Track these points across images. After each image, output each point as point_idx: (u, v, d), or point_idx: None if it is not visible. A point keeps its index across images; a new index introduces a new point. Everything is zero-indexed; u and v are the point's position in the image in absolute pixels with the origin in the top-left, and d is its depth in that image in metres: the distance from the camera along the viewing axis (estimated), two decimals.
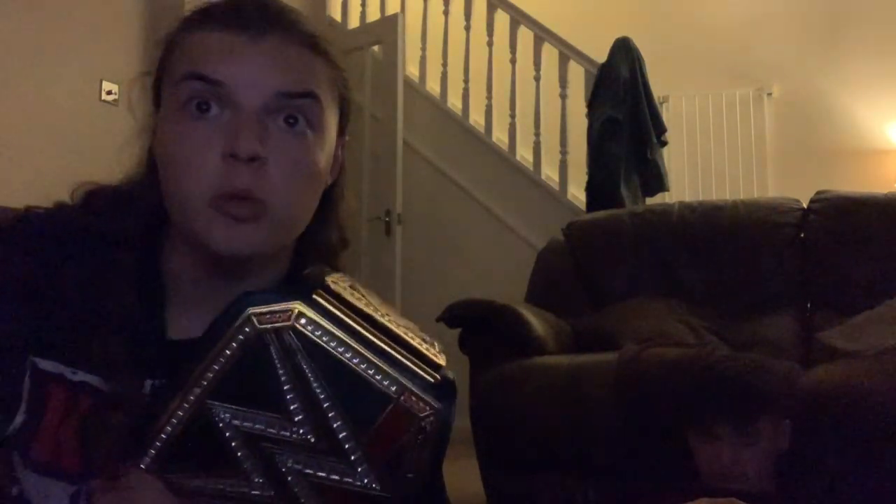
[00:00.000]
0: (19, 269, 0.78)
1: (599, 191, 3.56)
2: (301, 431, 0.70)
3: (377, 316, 0.75)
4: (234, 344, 0.70)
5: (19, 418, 0.77)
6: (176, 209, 0.75)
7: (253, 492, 0.70)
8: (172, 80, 0.76)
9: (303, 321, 0.71)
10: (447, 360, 0.80)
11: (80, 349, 0.75)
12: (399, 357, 0.74)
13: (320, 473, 0.71)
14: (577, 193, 4.01)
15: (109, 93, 3.75)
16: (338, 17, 5.03)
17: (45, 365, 0.77)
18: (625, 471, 1.93)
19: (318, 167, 0.78)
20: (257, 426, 0.70)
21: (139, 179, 0.83)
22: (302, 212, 0.79)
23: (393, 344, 0.74)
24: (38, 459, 0.76)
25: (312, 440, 0.70)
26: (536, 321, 2.31)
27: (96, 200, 0.82)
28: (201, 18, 0.77)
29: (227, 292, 0.76)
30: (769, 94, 4.69)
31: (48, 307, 0.77)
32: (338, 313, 0.73)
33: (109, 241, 0.78)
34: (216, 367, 0.70)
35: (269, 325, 0.70)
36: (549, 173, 4.22)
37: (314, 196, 0.80)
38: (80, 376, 0.76)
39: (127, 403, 0.73)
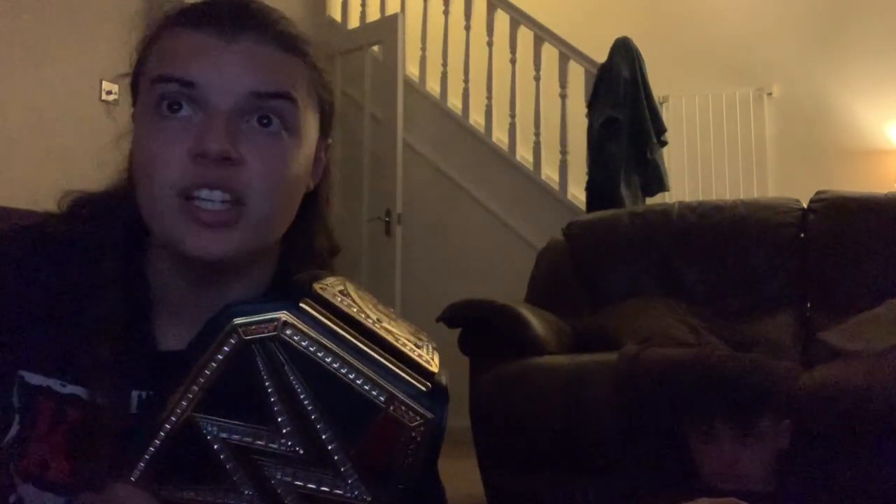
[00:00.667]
0: (5, 282, 0.77)
1: (599, 191, 3.56)
2: (289, 443, 0.69)
3: (367, 323, 0.74)
4: (220, 356, 0.69)
5: (14, 429, 0.77)
6: (147, 212, 0.74)
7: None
8: (146, 81, 0.75)
9: (289, 331, 0.69)
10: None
11: (66, 360, 0.75)
12: (389, 365, 0.72)
13: (310, 485, 0.70)
14: (577, 193, 4.01)
15: (109, 93, 3.75)
16: (338, 17, 5.03)
17: (33, 378, 0.76)
18: (625, 471, 1.93)
19: (295, 169, 0.76)
20: (245, 438, 0.69)
21: (122, 185, 0.82)
22: (278, 214, 0.77)
23: (383, 352, 0.73)
24: (29, 470, 0.76)
25: (301, 452, 0.70)
26: (536, 321, 2.31)
27: (82, 209, 0.82)
28: (176, 19, 0.76)
29: (212, 299, 0.76)
30: (769, 94, 4.68)
31: (35, 319, 0.76)
32: (326, 321, 0.71)
33: (95, 251, 0.78)
34: (202, 380, 0.68)
35: (254, 336, 0.69)
36: (549, 173, 4.22)
37: (291, 198, 0.78)
38: (70, 389, 0.76)
39: (113, 414, 0.72)
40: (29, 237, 0.80)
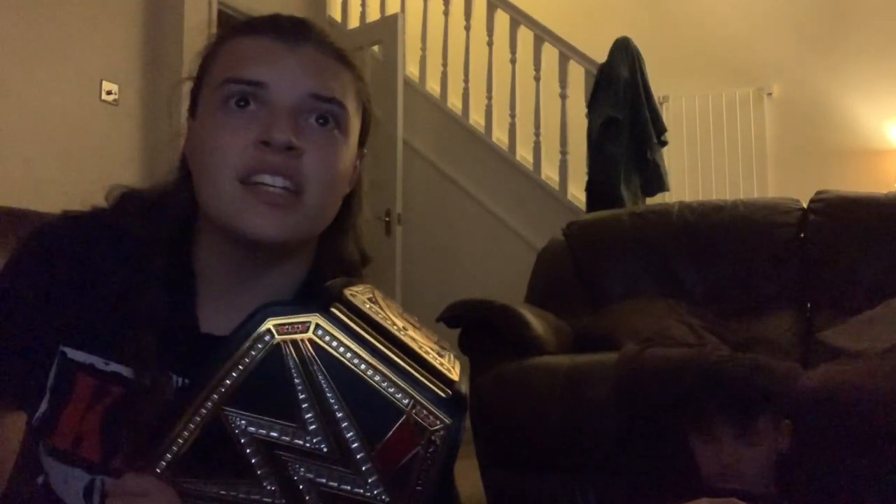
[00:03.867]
0: (57, 265, 0.81)
1: (599, 191, 3.56)
2: (314, 441, 0.72)
3: (393, 330, 0.77)
4: (253, 353, 0.72)
5: (43, 406, 0.80)
6: (207, 193, 0.79)
7: (265, 499, 0.71)
8: (212, 84, 0.81)
9: (320, 333, 0.73)
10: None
11: (113, 342, 0.79)
12: (412, 371, 0.75)
13: (331, 483, 0.72)
14: (577, 193, 4.01)
15: (109, 93, 3.75)
16: (338, 17, 5.03)
17: (76, 355, 0.80)
18: (625, 471, 1.93)
19: (344, 167, 0.82)
20: (272, 434, 0.71)
21: (171, 183, 0.87)
22: (329, 206, 0.82)
23: (407, 358, 0.76)
24: (59, 447, 0.79)
25: (325, 450, 0.72)
26: (536, 321, 2.31)
27: (129, 203, 0.86)
28: (242, 28, 0.83)
29: (252, 286, 0.82)
30: (769, 94, 4.69)
31: (84, 302, 0.80)
32: (354, 326, 0.75)
33: (142, 242, 0.82)
34: (234, 375, 0.71)
35: (287, 336, 0.72)
36: (549, 173, 4.23)
37: (339, 195, 0.84)
38: (112, 367, 0.79)
39: (155, 394, 0.76)
40: (81, 224, 0.85)
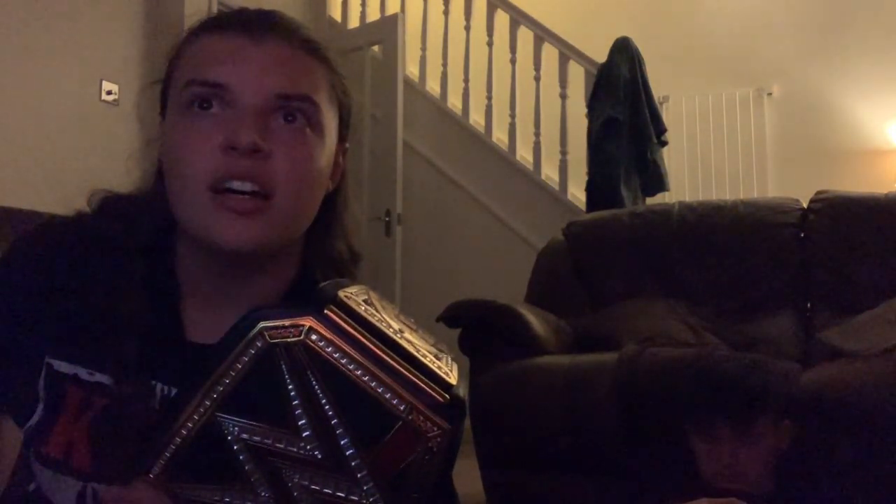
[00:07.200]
0: (38, 275, 0.80)
1: (599, 191, 3.56)
2: (308, 447, 0.70)
3: (389, 333, 0.75)
4: (245, 358, 0.70)
5: (37, 416, 0.79)
6: (178, 204, 0.77)
7: None
8: (177, 86, 0.78)
9: (314, 337, 0.71)
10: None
11: (93, 350, 0.77)
12: (409, 376, 0.73)
13: (326, 490, 0.71)
14: (577, 193, 4.01)
15: (109, 93, 3.75)
16: (338, 17, 5.03)
17: (60, 366, 0.79)
18: (625, 471, 1.93)
19: (319, 164, 0.79)
20: (265, 440, 0.70)
21: (151, 187, 0.85)
22: (303, 207, 0.80)
23: (404, 362, 0.74)
24: (51, 456, 0.78)
25: (319, 456, 0.70)
26: (536, 321, 2.31)
27: (111, 207, 0.85)
28: (205, 25, 0.80)
29: (238, 293, 0.80)
30: (769, 94, 4.68)
31: (64, 310, 0.79)
32: (349, 329, 0.73)
33: (123, 247, 0.80)
34: (226, 381, 0.70)
35: (280, 340, 0.70)
36: (549, 173, 4.23)
37: (315, 194, 0.81)
38: (97, 377, 0.78)
39: (137, 406, 0.75)
40: (62, 231, 0.83)
